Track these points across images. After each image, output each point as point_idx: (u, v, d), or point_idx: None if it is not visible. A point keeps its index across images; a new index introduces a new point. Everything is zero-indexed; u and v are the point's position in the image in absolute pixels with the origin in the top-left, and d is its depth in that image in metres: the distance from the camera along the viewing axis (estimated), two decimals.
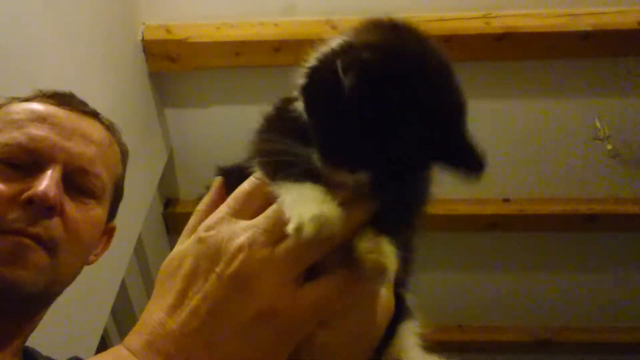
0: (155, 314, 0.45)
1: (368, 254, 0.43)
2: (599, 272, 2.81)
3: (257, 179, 0.48)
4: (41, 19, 1.39)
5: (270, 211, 0.45)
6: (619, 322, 3.00)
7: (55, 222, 0.69)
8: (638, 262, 2.72)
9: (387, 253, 0.43)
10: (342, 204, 0.43)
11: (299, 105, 0.46)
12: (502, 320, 3.05)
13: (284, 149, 0.45)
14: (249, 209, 0.47)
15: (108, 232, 0.84)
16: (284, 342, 0.44)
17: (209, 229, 0.47)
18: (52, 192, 0.67)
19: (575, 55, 2.05)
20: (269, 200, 0.46)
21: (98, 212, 0.75)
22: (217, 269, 0.44)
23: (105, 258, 0.85)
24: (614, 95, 2.18)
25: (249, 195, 0.48)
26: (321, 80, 0.45)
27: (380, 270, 0.43)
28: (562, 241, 2.67)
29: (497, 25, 1.96)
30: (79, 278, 0.77)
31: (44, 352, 0.80)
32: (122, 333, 2.28)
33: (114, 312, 2.11)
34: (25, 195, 0.67)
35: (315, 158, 0.44)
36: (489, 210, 2.49)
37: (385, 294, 0.50)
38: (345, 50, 0.46)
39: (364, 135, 0.42)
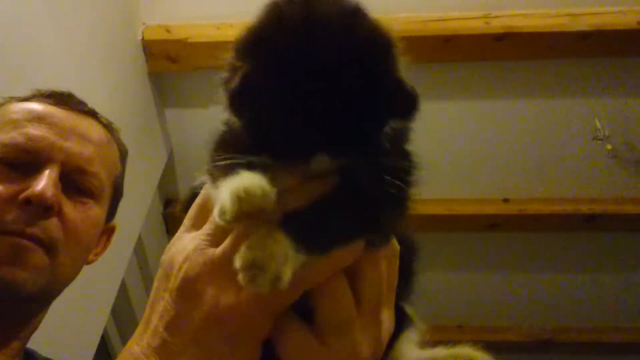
0: (128, 346, 0.45)
1: (246, 249, 0.39)
2: (599, 272, 2.81)
3: (208, 191, 0.48)
4: (41, 19, 1.39)
5: (212, 215, 0.45)
6: (619, 322, 3.00)
7: (53, 223, 0.69)
8: (638, 262, 2.72)
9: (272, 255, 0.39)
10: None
11: (229, 116, 0.44)
12: (502, 320, 3.05)
13: (229, 158, 0.43)
14: (202, 222, 0.46)
15: (107, 232, 0.84)
16: (237, 344, 0.42)
17: (166, 251, 0.47)
18: (49, 193, 0.67)
19: (575, 55, 2.05)
20: None
21: (96, 211, 0.75)
22: (169, 285, 0.44)
23: (105, 258, 0.85)
24: (614, 95, 2.18)
25: (201, 207, 0.48)
26: (233, 86, 0.42)
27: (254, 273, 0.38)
28: (562, 241, 2.67)
29: (497, 25, 1.96)
30: (78, 278, 0.77)
31: (44, 352, 0.80)
32: (122, 333, 2.28)
33: (114, 312, 2.11)
34: (22, 195, 0.67)
35: (266, 161, 0.41)
36: (489, 210, 2.48)
37: (391, 319, 0.48)
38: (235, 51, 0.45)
39: (293, 117, 0.39)
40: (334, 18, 0.41)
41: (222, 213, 0.39)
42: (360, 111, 0.40)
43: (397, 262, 0.48)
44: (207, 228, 0.45)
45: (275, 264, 0.38)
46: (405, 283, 0.53)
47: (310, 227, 0.41)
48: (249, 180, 0.39)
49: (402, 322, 0.53)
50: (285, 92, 0.39)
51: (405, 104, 0.42)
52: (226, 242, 0.43)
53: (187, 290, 0.43)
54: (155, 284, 0.46)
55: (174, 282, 0.44)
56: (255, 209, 0.38)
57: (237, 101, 0.41)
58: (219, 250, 0.43)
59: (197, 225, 0.47)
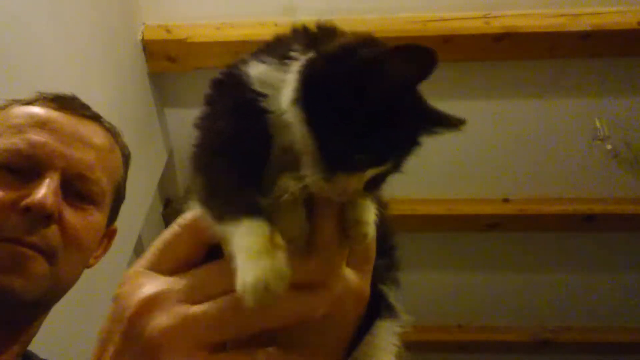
0: None
1: (358, 224, 0.43)
2: (599, 272, 2.81)
3: (182, 225, 0.45)
4: (41, 19, 1.39)
5: (203, 268, 0.41)
6: (619, 322, 3.00)
7: (53, 230, 0.68)
8: (638, 262, 2.72)
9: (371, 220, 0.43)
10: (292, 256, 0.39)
11: (288, 115, 0.42)
12: (502, 320, 3.05)
13: (236, 177, 0.41)
14: (167, 261, 0.42)
15: (108, 235, 0.84)
16: None
17: (121, 285, 0.42)
18: (49, 201, 0.67)
19: (575, 55, 2.05)
20: (195, 248, 0.43)
21: (97, 217, 0.75)
22: (123, 330, 0.38)
23: (105, 258, 0.84)
24: (614, 95, 2.18)
25: (169, 245, 0.44)
26: (325, 85, 0.41)
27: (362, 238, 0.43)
28: (562, 241, 2.67)
29: (497, 25, 1.96)
30: (79, 279, 0.77)
31: (45, 352, 0.80)
32: None
33: None
34: (23, 203, 0.66)
35: (311, 172, 0.41)
36: (489, 210, 2.48)
37: (354, 280, 0.46)
38: (345, 52, 0.43)
39: (366, 132, 0.41)
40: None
41: (244, 291, 0.37)
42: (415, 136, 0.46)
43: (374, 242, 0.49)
44: (185, 284, 0.40)
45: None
46: (386, 267, 0.53)
47: None
48: (264, 268, 0.38)
49: (382, 305, 0.52)
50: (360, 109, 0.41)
51: (456, 120, 0.49)
52: (210, 304, 0.38)
53: (147, 348, 0.37)
54: (107, 323, 0.40)
55: (131, 330, 0.38)
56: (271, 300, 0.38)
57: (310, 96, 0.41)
58: (199, 311, 0.38)
59: (160, 264, 0.42)
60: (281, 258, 0.38)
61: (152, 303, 0.38)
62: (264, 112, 0.43)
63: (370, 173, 0.42)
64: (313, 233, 0.42)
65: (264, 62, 0.45)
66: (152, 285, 0.40)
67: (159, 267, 0.42)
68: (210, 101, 0.49)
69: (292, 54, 0.44)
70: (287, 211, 0.41)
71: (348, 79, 0.41)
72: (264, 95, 0.43)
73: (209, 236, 0.42)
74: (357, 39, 0.44)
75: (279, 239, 0.39)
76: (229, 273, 0.38)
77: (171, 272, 0.41)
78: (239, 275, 0.37)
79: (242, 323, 0.38)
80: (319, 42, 0.45)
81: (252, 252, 0.38)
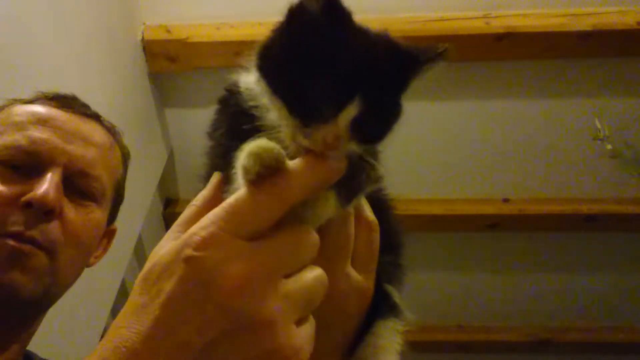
0: (128, 336, 0.36)
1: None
2: (599, 272, 2.81)
3: (256, 186, 0.43)
4: (41, 19, 1.39)
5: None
6: (619, 322, 3.00)
7: (54, 226, 0.69)
8: (638, 262, 2.72)
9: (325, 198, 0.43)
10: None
11: (251, 83, 0.45)
12: (502, 320, 3.05)
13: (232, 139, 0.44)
14: (246, 226, 0.40)
15: (108, 235, 0.84)
16: None
17: (198, 247, 0.38)
18: (51, 196, 0.67)
19: (575, 55, 2.05)
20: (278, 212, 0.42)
21: (98, 215, 0.75)
22: (213, 304, 0.36)
23: (105, 258, 0.85)
24: (614, 95, 2.18)
25: (247, 208, 0.41)
26: (280, 44, 0.44)
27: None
28: (562, 241, 2.67)
29: (497, 25, 1.96)
30: (79, 278, 0.77)
31: (44, 352, 0.80)
32: None
33: (114, 312, 2.11)
34: (24, 198, 0.67)
35: (290, 124, 0.42)
36: (489, 210, 2.48)
37: (358, 278, 0.47)
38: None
39: (334, 70, 0.41)
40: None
41: (246, 172, 0.40)
42: (392, 83, 0.44)
43: (377, 236, 0.49)
44: (277, 258, 0.39)
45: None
46: (392, 266, 0.54)
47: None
48: (262, 141, 0.40)
49: (385, 304, 0.53)
50: (335, 49, 0.42)
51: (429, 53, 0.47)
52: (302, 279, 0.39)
53: (257, 327, 0.37)
54: (178, 286, 0.37)
55: (231, 308, 0.37)
56: (274, 163, 0.39)
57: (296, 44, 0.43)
58: (292, 286, 0.39)
59: (240, 230, 0.40)
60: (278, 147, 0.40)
61: (250, 284, 0.37)
62: (252, 110, 0.45)
63: (345, 117, 0.41)
64: None
65: (246, 71, 0.48)
66: (244, 260, 0.38)
67: (241, 232, 0.39)
68: (215, 119, 0.53)
69: None
70: None
71: (286, 35, 0.44)
72: (248, 94, 0.46)
73: (289, 201, 0.40)
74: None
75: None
76: (309, 238, 0.40)
77: (252, 237, 0.39)
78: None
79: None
80: None
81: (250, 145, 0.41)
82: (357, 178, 0.46)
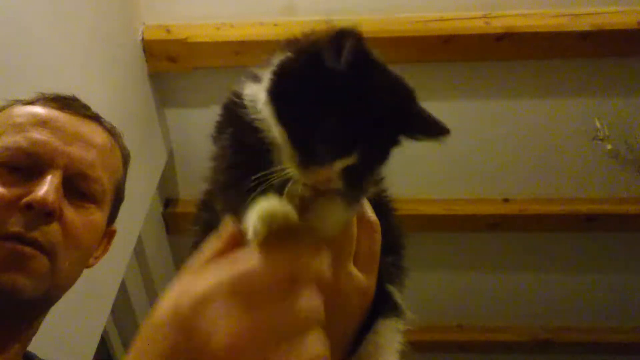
0: None
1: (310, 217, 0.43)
2: (599, 272, 2.81)
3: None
4: (41, 19, 1.39)
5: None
6: (619, 322, 3.00)
7: (54, 228, 0.68)
8: (638, 262, 2.72)
9: (327, 217, 0.44)
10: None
11: (261, 113, 0.46)
12: (502, 320, 3.05)
13: (241, 176, 0.45)
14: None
15: (108, 235, 0.84)
16: None
17: (191, 307, 0.39)
18: (51, 198, 0.67)
19: (575, 55, 2.05)
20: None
21: (98, 216, 0.75)
22: None
23: (105, 258, 0.85)
24: (614, 95, 2.18)
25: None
26: (297, 77, 0.45)
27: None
28: (562, 241, 2.67)
29: (497, 25, 1.96)
30: (79, 278, 0.77)
31: (44, 352, 0.80)
32: (122, 333, 2.28)
33: (114, 312, 2.11)
34: (24, 200, 0.67)
35: (291, 165, 0.44)
36: (489, 210, 2.49)
37: (360, 277, 0.48)
38: (324, 43, 0.45)
39: (339, 122, 0.43)
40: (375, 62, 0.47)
41: (255, 234, 0.41)
42: (389, 130, 0.45)
43: (379, 237, 0.50)
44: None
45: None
46: (393, 267, 0.55)
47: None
48: (269, 202, 0.43)
49: (387, 303, 0.53)
50: (331, 99, 0.43)
51: (440, 128, 0.47)
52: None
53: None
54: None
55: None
56: (282, 224, 0.42)
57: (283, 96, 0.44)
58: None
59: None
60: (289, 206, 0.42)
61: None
62: (255, 122, 0.46)
63: (338, 165, 0.43)
64: None
65: (254, 81, 0.49)
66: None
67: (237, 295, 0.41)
68: (219, 123, 0.53)
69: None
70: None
71: (303, 73, 0.44)
72: (253, 108, 0.47)
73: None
74: (322, 36, 0.47)
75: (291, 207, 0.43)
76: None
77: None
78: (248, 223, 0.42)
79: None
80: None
81: (262, 204, 0.43)
82: (360, 184, 0.47)
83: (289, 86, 0.44)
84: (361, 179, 0.47)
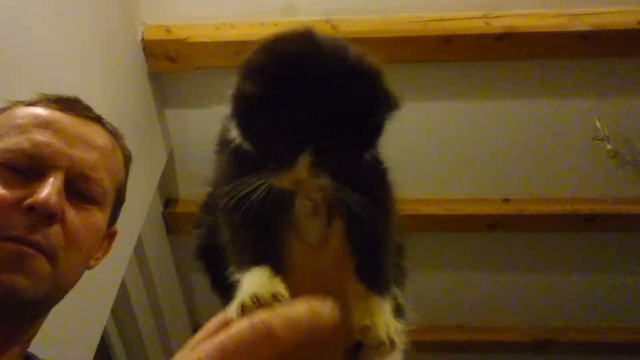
0: None
1: (367, 335, 0.43)
2: (599, 272, 2.81)
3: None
4: (41, 19, 1.39)
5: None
6: (619, 322, 3.00)
7: (55, 230, 0.68)
8: (638, 262, 2.72)
9: (384, 324, 0.43)
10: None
11: (233, 134, 0.49)
12: (502, 320, 3.05)
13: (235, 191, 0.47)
14: None
15: (109, 237, 0.84)
16: None
17: None
18: (53, 200, 0.67)
19: (575, 55, 2.05)
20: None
21: (99, 218, 0.75)
22: None
23: (105, 259, 0.85)
24: (614, 95, 2.18)
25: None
26: (243, 100, 0.47)
27: (389, 347, 0.43)
28: (562, 241, 2.67)
29: (497, 25, 1.96)
30: (79, 279, 0.77)
31: (44, 352, 0.80)
32: (122, 333, 2.28)
33: (114, 312, 2.11)
34: (26, 202, 0.66)
35: (265, 174, 0.45)
36: (489, 210, 2.48)
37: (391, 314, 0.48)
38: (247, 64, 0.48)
39: (289, 122, 0.44)
40: (329, 50, 0.47)
41: (244, 309, 0.42)
42: (347, 122, 0.45)
43: None
44: None
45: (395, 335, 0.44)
46: (394, 267, 0.56)
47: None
48: (262, 281, 0.44)
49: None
50: (285, 104, 0.45)
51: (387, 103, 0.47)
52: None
53: None
54: None
55: None
56: (270, 300, 0.43)
57: (246, 114, 0.47)
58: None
59: None
60: (277, 283, 0.43)
61: None
62: (235, 142, 0.50)
63: (303, 162, 0.44)
64: None
65: None
66: None
67: None
68: (218, 142, 0.57)
69: None
70: (304, 217, 0.47)
71: (252, 91, 0.46)
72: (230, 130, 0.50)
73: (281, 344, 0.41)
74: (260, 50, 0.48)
75: (280, 282, 0.44)
76: None
77: None
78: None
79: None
80: None
81: (251, 284, 0.44)
82: (384, 258, 0.49)
83: (245, 106, 0.47)
84: (342, 171, 0.47)
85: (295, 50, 0.46)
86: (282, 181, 0.45)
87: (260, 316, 0.41)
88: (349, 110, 0.44)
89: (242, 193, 0.46)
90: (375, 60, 0.48)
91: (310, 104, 0.44)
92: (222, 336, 0.40)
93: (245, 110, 0.47)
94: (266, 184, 0.46)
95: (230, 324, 0.42)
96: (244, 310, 0.42)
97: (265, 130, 0.46)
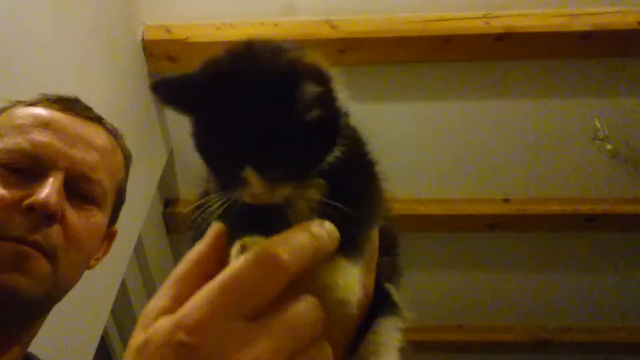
0: None
1: (325, 291, 0.41)
2: (599, 272, 2.81)
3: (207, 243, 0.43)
4: (41, 19, 1.39)
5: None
6: (619, 322, 3.00)
7: (55, 230, 0.69)
8: (638, 262, 2.72)
9: (345, 284, 0.42)
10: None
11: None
12: (502, 320, 3.05)
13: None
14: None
15: (109, 237, 0.84)
16: None
17: (192, 331, 0.35)
18: (53, 200, 0.67)
19: (575, 55, 2.05)
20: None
21: (99, 218, 0.75)
22: None
23: (105, 259, 0.85)
24: (614, 95, 2.18)
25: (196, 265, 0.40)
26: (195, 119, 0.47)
27: (341, 306, 0.41)
28: (562, 241, 2.67)
29: (497, 25, 1.96)
30: (79, 279, 0.77)
31: (44, 351, 0.80)
32: (122, 333, 2.28)
33: (114, 312, 2.11)
34: (26, 202, 0.67)
35: (226, 191, 0.45)
36: (489, 210, 2.48)
37: (360, 278, 0.47)
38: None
39: (224, 138, 0.44)
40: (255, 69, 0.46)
41: (242, 249, 0.42)
42: (274, 128, 0.43)
43: (377, 237, 0.50)
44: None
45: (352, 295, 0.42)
46: (390, 266, 0.55)
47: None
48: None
49: (385, 302, 0.54)
50: (217, 125, 0.45)
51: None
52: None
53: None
54: None
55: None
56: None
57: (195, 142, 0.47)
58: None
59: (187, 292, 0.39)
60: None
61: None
62: None
63: (251, 178, 0.43)
64: None
65: None
66: (243, 346, 0.35)
67: (238, 313, 0.36)
68: None
69: None
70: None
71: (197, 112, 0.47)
72: None
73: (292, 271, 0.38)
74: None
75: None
76: (314, 314, 0.39)
77: (252, 316, 0.37)
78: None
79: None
80: None
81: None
82: (356, 226, 0.46)
83: (195, 129, 0.47)
84: (300, 170, 0.45)
85: (223, 67, 0.46)
86: (243, 197, 0.44)
87: (263, 246, 0.38)
88: (271, 117, 0.42)
89: (209, 210, 0.46)
90: (312, 58, 0.46)
91: (236, 120, 0.43)
92: (223, 275, 0.37)
93: (192, 129, 0.47)
94: (230, 200, 0.45)
95: (226, 262, 0.40)
96: (244, 251, 0.40)
97: (206, 151, 0.46)
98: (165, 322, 0.36)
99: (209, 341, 0.35)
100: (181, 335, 0.35)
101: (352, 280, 0.42)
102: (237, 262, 0.38)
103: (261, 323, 0.36)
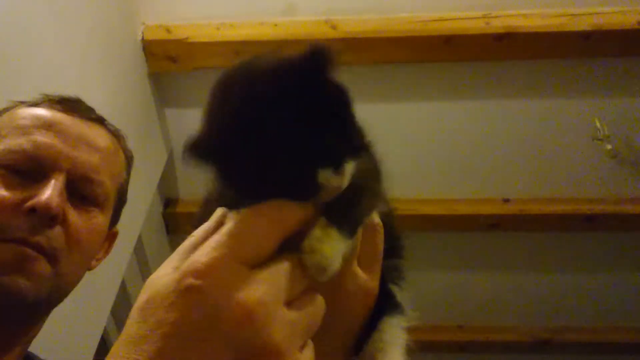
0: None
1: (309, 254, 0.42)
2: (599, 272, 2.81)
3: (260, 213, 0.42)
4: (41, 19, 1.39)
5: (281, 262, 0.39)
6: (620, 322, 3.00)
7: (57, 232, 0.68)
8: (638, 262, 2.72)
9: (328, 253, 0.42)
10: None
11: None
12: (502, 320, 3.05)
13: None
14: (250, 252, 0.39)
15: (110, 238, 0.84)
16: None
17: (201, 274, 0.36)
18: (54, 202, 0.67)
19: (575, 55, 2.05)
20: (277, 239, 0.41)
21: (100, 219, 0.75)
22: (222, 330, 0.35)
23: (105, 258, 0.85)
24: (614, 95, 2.18)
25: (250, 233, 0.40)
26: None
27: (319, 271, 0.42)
28: (562, 241, 2.67)
29: (497, 25, 1.96)
30: (80, 280, 0.77)
31: (44, 351, 0.80)
32: None
33: (114, 312, 2.11)
34: (28, 204, 0.66)
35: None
36: (489, 210, 2.48)
37: (363, 277, 0.48)
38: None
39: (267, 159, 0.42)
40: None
41: None
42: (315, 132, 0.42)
43: (382, 238, 0.50)
44: (278, 284, 0.39)
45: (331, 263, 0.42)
46: (394, 267, 0.56)
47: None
48: None
49: (389, 303, 0.54)
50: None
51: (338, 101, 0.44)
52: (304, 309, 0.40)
53: (265, 355, 0.37)
54: (176, 314, 0.36)
55: (237, 338, 0.36)
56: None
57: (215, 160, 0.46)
58: (295, 315, 0.39)
59: (244, 255, 0.39)
60: None
61: (257, 312, 0.36)
62: None
63: (330, 176, 0.42)
64: None
65: None
66: (250, 288, 0.37)
67: (243, 258, 0.38)
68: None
69: None
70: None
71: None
72: None
73: (290, 225, 0.41)
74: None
75: None
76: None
77: (253, 264, 0.38)
78: None
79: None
80: None
81: None
82: (356, 206, 0.46)
83: (239, 173, 0.45)
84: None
85: (246, 92, 0.45)
86: (320, 200, 0.43)
87: (266, 203, 0.40)
88: (314, 115, 0.41)
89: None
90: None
91: (288, 136, 0.41)
92: (229, 225, 0.39)
93: (228, 179, 0.45)
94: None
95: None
96: None
97: (263, 186, 0.42)
98: (170, 275, 0.38)
99: (217, 283, 0.36)
100: (190, 280, 0.36)
101: (336, 251, 0.43)
102: (240, 214, 0.40)
103: (263, 269, 0.38)
